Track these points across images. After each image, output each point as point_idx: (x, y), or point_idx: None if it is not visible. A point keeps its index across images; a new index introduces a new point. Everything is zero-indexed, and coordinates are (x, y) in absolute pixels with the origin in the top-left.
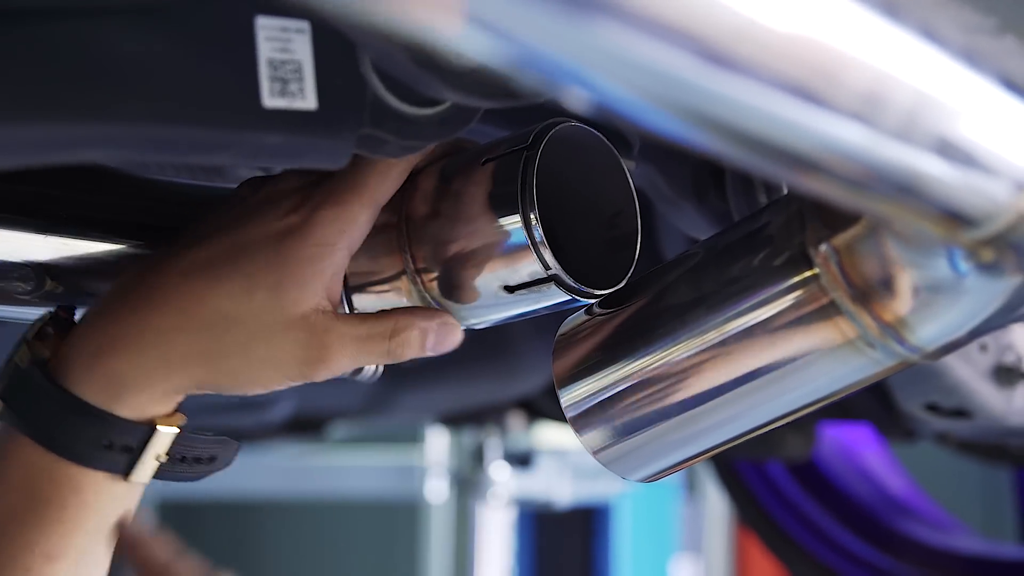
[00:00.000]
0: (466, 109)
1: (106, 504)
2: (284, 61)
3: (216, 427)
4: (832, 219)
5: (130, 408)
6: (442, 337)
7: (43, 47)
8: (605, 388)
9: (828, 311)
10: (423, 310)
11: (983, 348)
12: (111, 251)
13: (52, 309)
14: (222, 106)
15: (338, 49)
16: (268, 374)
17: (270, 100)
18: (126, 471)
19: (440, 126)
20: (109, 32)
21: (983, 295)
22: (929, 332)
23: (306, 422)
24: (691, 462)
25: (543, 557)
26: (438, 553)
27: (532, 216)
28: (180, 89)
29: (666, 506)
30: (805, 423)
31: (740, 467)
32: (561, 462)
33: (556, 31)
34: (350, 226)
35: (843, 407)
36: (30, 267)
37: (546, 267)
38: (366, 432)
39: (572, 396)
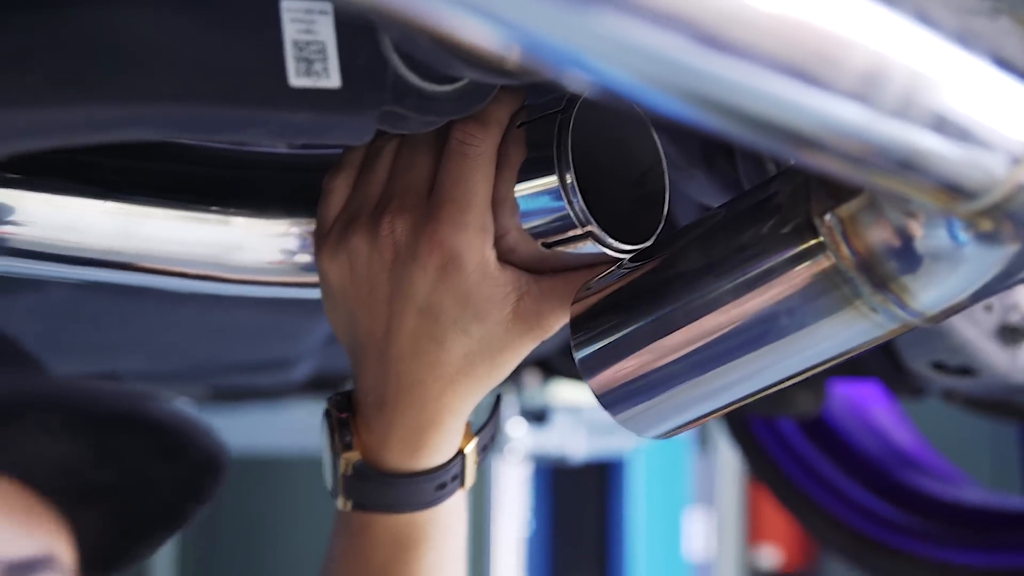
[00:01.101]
0: (483, 85)
1: (457, 510)
2: (309, 42)
3: (242, 386)
4: (836, 190)
5: (445, 455)
6: None
7: (79, 32)
8: (619, 348)
9: (833, 278)
10: None
11: (988, 308)
12: (179, 215)
13: (330, 405)
14: (251, 86)
15: (360, 30)
16: (513, 361)
17: (296, 80)
18: (461, 486)
19: (458, 102)
20: (141, 17)
21: (981, 263)
22: (930, 298)
23: (325, 381)
24: (702, 420)
25: (559, 511)
26: None
27: (568, 176)
28: (210, 71)
29: (679, 460)
30: (815, 381)
31: (752, 422)
32: (576, 418)
33: (556, 19)
34: (478, 252)
35: (852, 365)
36: None
37: (582, 224)
38: None
39: (587, 353)
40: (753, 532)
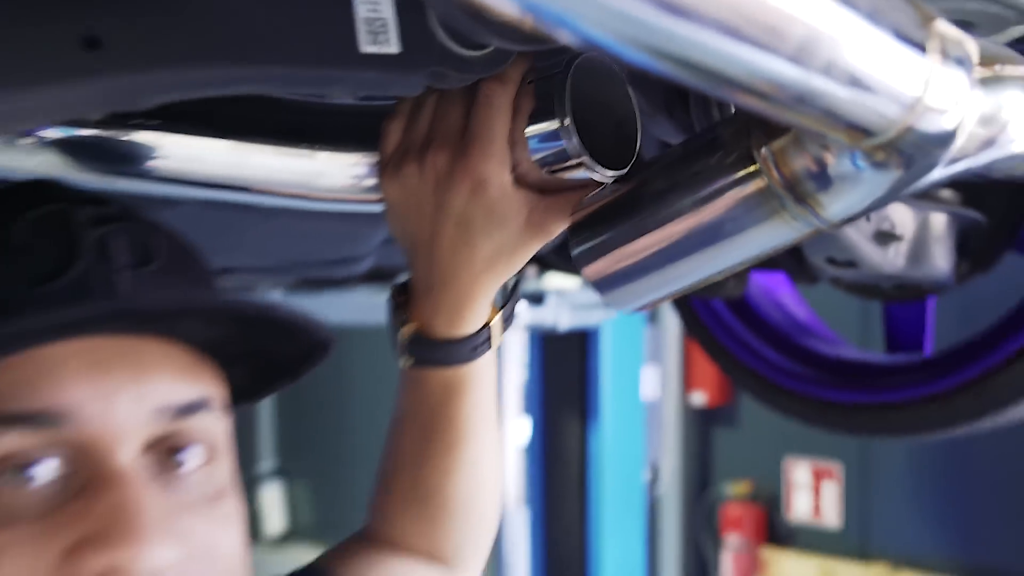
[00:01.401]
0: (504, 51)
1: (488, 364)
2: (375, 19)
3: (322, 277)
4: (770, 130)
5: (476, 325)
6: None
7: (208, 10)
8: (605, 246)
9: (766, 195)
10: None
11: (867, 219)
12: (278, 151)
13: (392, 292)
14: (332, 53)
15: (413, 9)
16: (525, 258)
17: (365, 48)
18: (489, 348)
19: (486, 64)
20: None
21: (875, 184)
22: (836, 210)
23: (381, 273)
24: (666, 299)
25: (548, 367)
26: None
27: (566, 120)
28: (303, 42)
29: (636, 329)
30: (740, 272)
31: (693, 302)
32: (561, 299)
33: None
34: (497, 176)
35: (766, 261)
36: None
37: (576, 156)
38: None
39: (581, 250)
40: (688, 381)
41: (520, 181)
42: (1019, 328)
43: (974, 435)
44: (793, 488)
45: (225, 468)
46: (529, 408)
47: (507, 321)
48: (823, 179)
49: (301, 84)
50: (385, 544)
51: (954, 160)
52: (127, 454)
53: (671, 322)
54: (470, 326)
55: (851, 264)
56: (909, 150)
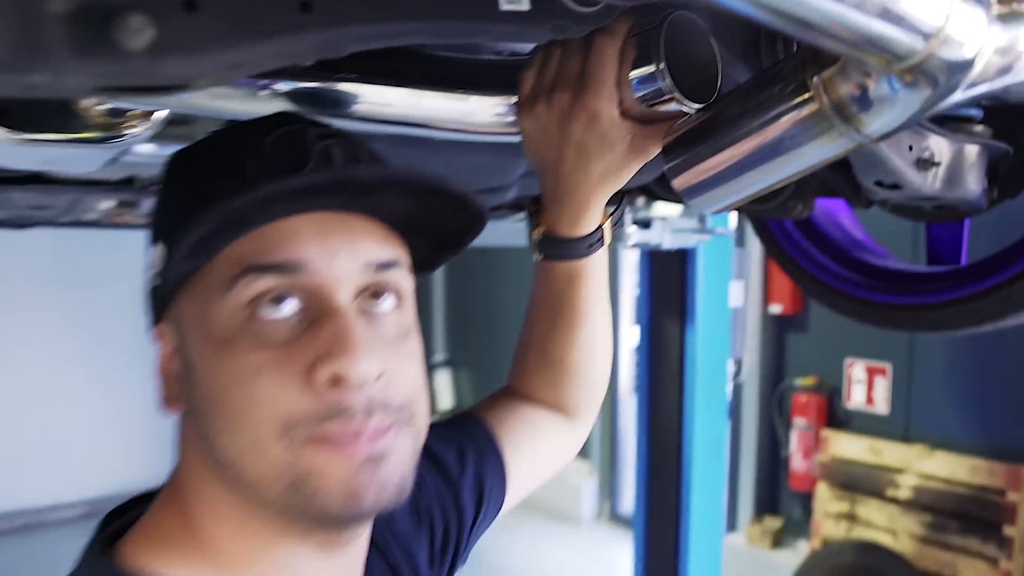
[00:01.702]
0: (612, 7)
1: (601, 258)
2: None
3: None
4: (821, 62)
5: (591, 227)
6: None
7: None
8: (691, 161)
9: (818, 117)
10: None
11: (911, 148)
12: (442, 95)
13: (529, 204)
14: (479, 11)
15: None
16: (628, 175)
17: (504, 6)
18: (602, 245)
19: (598, 17)
20: None
21: (906, 104)
22: (875, 127)
23: (520, 202)
24: (740, 203)
25: (653, 284)
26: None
27: (661, 64)
28: (457, 1)
29: (725, 249)
30: (807, 196)
31: (768, 223)
32: (665, 224)
33: None
34: (607, 112)
35: (828, 188)
36: None
37: (669, 92)
38: None
39: (672, 165)
40: (768, 294)
41: (625, 114)
42: None
43: (1002, 337)
44: (851, 382)
45: (410, 314)
46: (639, 316)
47: (616, 225)
48: (864, 101)
49: (457, 35)
50: (520, 396)
51: (974, 84)
52: (344, 296)
53: (755, 245)
54: (587, 228)
55: (896, 187)
56: (934, 74)
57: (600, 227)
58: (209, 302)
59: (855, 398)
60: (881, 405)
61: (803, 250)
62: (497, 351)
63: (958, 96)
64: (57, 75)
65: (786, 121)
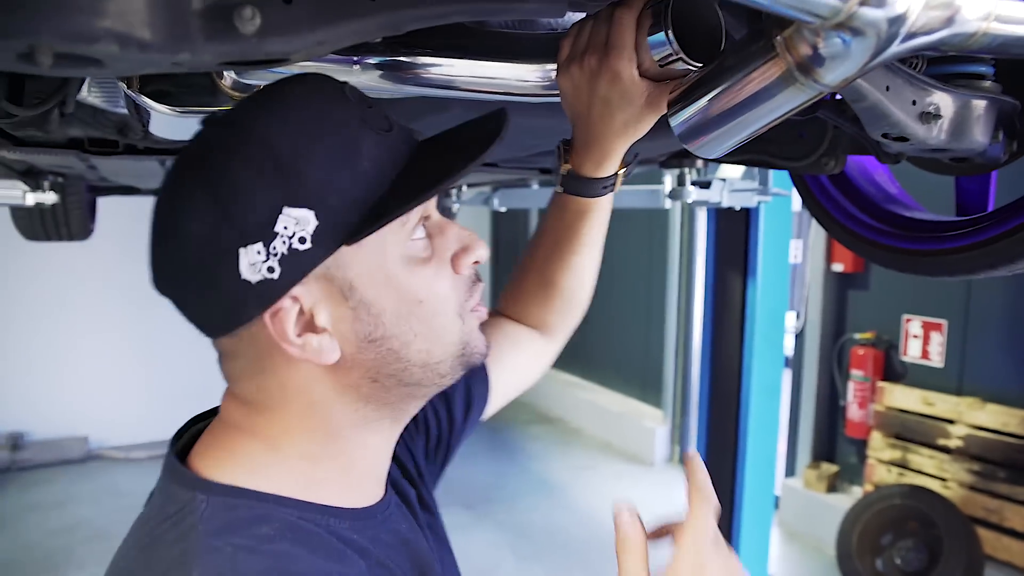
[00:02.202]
0: None
1: (609, 202)
2: None
3: (530, 168)
4: (783, 24)
5: (609, 171)
6: None
7: None
8: (690, 112)
9: (784, 70)
10: None
11: (914, 103)
12: (495, 64)
13: (560, 144)
14: None
15: None
16: (645, 128)
17: None
18: (613, 188)
19: None
20: None
21: (853, 56)
22: (832, 77)
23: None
24: (733, 147)
25: (719, 240)
26: (673, 235)
27: (670, 33)
28: None
29: (785, 209)
30: (839, 153)
31: (807, 178)
32: (725, 184)
33: None
34: (627, 72)
35: (858, 146)
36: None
37: (677, 53)
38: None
39: (674, 113)
40: (831, 254)
41: (643, 74)
42: None
43: None
44: (907, 337)
45: None
46: (707, 270)
47: (627, 174)
48: (817, 57)
49: (491, 13)
50: (505, 316)
51: (918, 34)
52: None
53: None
54: (605, 171)
55: (903, 139)
56: (869, 27)
57: (616, 173)
58: (389, 245)
59: (911, 352)
60: (936, 359)
61: (837, 203)
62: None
63: (905, 46)
64: (194, 54)
65: (759, 75)
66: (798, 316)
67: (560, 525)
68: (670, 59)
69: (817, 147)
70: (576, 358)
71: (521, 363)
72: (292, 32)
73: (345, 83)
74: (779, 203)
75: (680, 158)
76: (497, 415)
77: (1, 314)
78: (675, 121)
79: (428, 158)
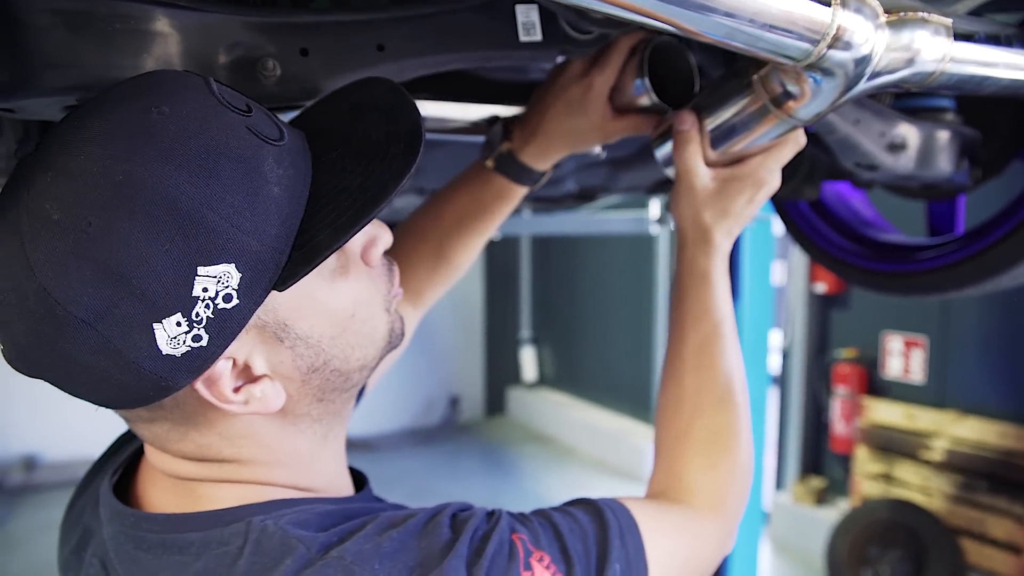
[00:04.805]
0: (605, 35)
1: (521, 195)
2: (526, 22)
3: (551, 196)
4: (757, 65)
5: (543, 167)
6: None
7: (431, 26)
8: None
9: (761, 105)
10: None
11: (882, 135)
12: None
13: (506, 121)
14: (505, 43)
15: (548, 15)
16: (588, 146)
17: (523, 38)
18: (534, 185)
19: (592, 44)
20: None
21: (823, 94)
22: (804, 111)
23: (586, 194)
24: None
25: None
26: (660, 260)
27: (647, 80)
28: (487, 38)
29: (767, 232)
30: (815, 180)
31: (785, 205)
32: None
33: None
34: (599, 89)
35: (833, 172)
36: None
37: (651, 97)
38: (620, 201)
39: (660, 149)
40: (813, 274)
41: (612, 100)
42: (1009, 217)
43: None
44: (888, 354)
45: None
46: None
47: (543, 180)
48: (789, 93)
49: (489, 61)
50: None
51: (882, 74)
52: None
53: None
54: (539, 165)
55: (873, 167)
56: (837, 69)
57: (545, 172)
58: (327, 267)
59: (892, 368)
60: (917, 375)
61: (814, 227)
62: (576, 330)
63: (871, 83)
64: None
65: (738, 109)
66: (784, 335)
67: None
68: (645, 102)
69: (795, 174)
70: (569, 378)
71: None
72: (309, 80)
73: (207, 77)
74: (761, 226)
75: (665, 186)
76: (491, 435)
77: None
78: (660, 152)
79: (341, 168)
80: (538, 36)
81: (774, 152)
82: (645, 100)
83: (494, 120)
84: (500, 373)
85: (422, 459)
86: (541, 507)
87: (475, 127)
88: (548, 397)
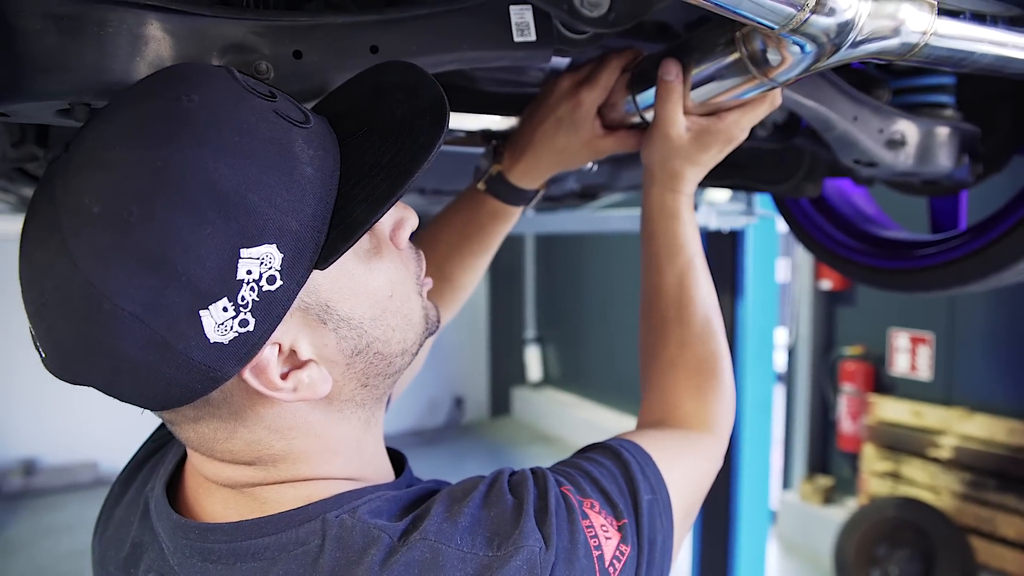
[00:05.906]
0: (598, 35)
1: (515, 218)
2: (520, 23)
3: (552, 195)
4: (739, 24)
5: (533, 187)
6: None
7: (423, 28)
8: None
9: (741, 64)
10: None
11: (881, 131)
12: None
13: (494, 145)
14: (499, 43)
15: (542, 14)
16: (578, 164)
17: (517, 38)
18: (528, 204)
19: (587, 44)
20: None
21: (801, 57)
22: (781, 72)
23: (590, 193)
24: None
25: (709, 260)
26: None
27: (637, 97)
28: (483, 37)
29: (771, 231)
30: (817, 177)
31: (787, 202)
32: (711, 207)
33: None
34: (589, 106)
35: (833, 169)
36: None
37: (642, 117)
38: (624, 199)
39: (639, 95)
40: (818, 272)
41: (602, 117)
42: (1011, 213)
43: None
44: (895, 351)
45: None
46: None
47: (538, 199)
48: (768, 55)
49: (485, 61)
50: None
51: (866, 41)
52: None
53: None
54: (530, 184)
55: (873, 164)
56: (819, 33)
57: (538, 190)
58: (362, 247)
59: (899, 365)
60: (924, 372)
61: (816, 224)
62: (581, 329)
63: (852, 52)
64: None
65: (719, 67)
66: (789, 333)
67: None
68: (632, 118)
69: (796, 171)
70: (574, 378)
71: None
72: (303, 81)
73: (230, 67)
74: (765, 224)
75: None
76: (496, 435)
77: (13, 342)
78: (641, 97)
79: (368, 146)
80: (532, 36)
81: (749, 110)
82: (635, 117)
83: (488, 133)
84: (505, 373)
85: (427, 460)
86: (562, 460)
87: (470, 138)
88: (553, 397)
